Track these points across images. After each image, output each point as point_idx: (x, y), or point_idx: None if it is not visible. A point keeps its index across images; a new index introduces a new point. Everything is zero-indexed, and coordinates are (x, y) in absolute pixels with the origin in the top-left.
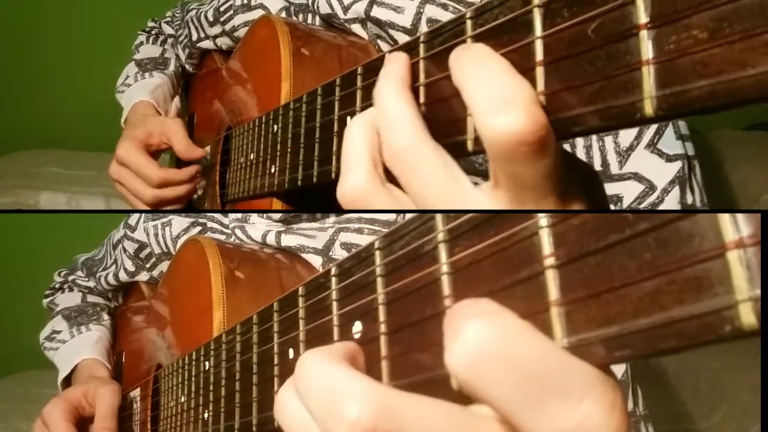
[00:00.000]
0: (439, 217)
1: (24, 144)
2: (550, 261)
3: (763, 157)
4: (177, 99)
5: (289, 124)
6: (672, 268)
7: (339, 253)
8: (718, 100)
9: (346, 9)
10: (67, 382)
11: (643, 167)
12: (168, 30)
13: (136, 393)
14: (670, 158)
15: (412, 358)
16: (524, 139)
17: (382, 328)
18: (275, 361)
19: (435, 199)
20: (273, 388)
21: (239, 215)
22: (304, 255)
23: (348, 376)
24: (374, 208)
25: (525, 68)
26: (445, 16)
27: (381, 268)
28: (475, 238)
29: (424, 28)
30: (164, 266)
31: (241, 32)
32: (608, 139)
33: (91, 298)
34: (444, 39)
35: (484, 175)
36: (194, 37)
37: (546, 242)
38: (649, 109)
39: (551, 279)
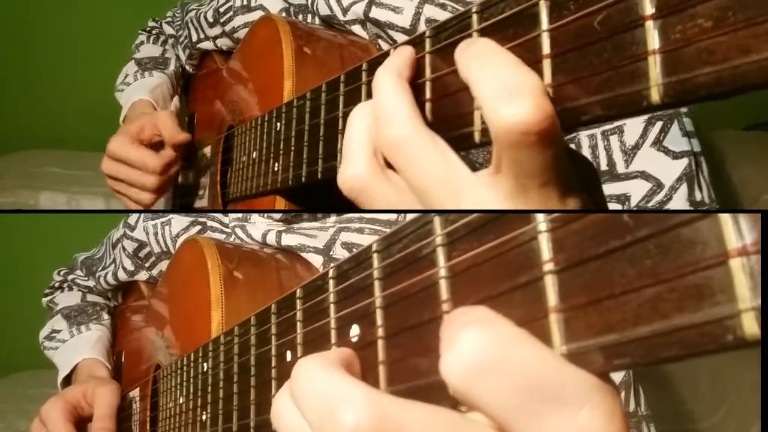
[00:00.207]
0: (437, 219)
1: (24, 144)
2: (549, 266)
3: (763, 157)
4: (176, 99)
5: (293, 121)
6: (673, 276)
7: (340, 253)
8: (724, 87)
9: (345, 10)
10: (67, 381)
11: (650, 165)
12: (169, 30)
13: (135, 393)
14: (676, 155)
15: (410, 363)
16: (531, 128)
17: (380, 332)
18: (273, 364)
19: (433, 188)
20: (270, 390)
21: (240, 214)
22: (304, 254)
23: (345, 383)
24: (374, 196)
25: (532, 61)
26: (443, 16)
27: (379, 272)
28: (473, 241)
29: (423, 28)
30: (163, 265)
31: (241, 33)
32: (613, 138)
33: (90, 298)
34: (450, 33)
35: None
36: (194, 38)
37: (545, 247)
38: (655, 96)
39: (550, 285)
